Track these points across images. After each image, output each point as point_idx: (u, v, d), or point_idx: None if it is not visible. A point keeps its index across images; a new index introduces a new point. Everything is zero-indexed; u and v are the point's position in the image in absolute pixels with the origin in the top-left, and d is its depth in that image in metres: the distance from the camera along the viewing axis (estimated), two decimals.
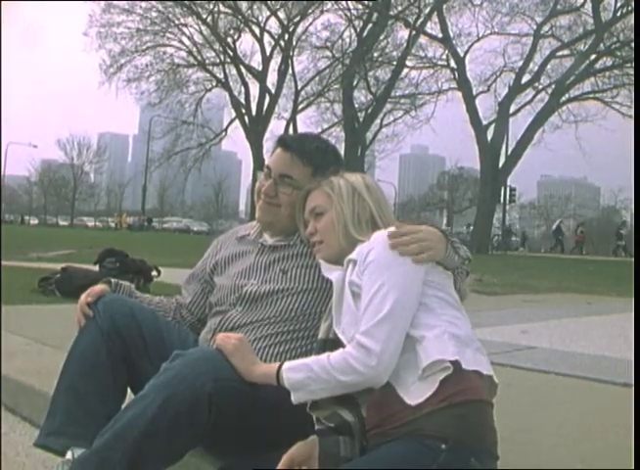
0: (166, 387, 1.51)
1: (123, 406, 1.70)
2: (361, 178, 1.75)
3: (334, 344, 1.50)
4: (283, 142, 1.98)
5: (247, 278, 1.95)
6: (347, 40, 30.78)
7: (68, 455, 1.69)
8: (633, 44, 23.41)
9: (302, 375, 1.42)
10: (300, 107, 33.81)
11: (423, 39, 29.49)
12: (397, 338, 1.39)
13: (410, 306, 1.43)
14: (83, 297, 1.89)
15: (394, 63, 30.21)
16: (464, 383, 1.37)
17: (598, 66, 27.72)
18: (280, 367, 1.47)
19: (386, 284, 1.43)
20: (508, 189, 30.82)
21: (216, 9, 31.51)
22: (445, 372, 1.36)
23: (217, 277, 2.05)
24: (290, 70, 33.31)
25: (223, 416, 1.56)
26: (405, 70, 30.52)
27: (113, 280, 2.05)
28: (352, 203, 1.69)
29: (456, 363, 1.37)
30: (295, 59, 33.13)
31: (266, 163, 2.01)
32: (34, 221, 64.44)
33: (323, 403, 1.48)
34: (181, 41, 33.36)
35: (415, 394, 1.36)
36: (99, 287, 1.94)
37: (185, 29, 33.00)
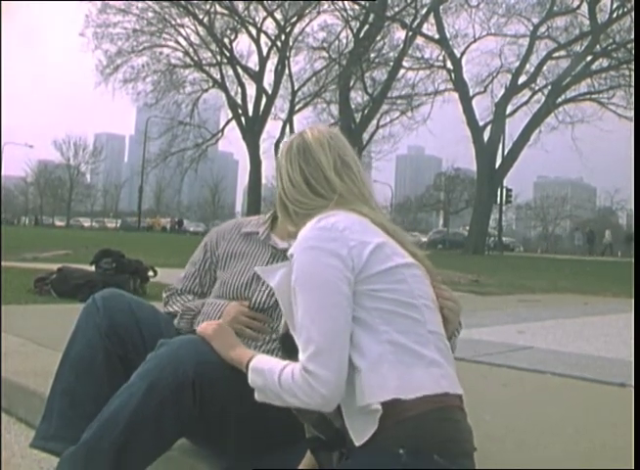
0: (150, 374, 1.53)
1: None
2: (284, 146, 1.59)
3: (292, 339, 1.42)
4: None
5: (255, 283, 1.90)
6: (344, 41, 30.90)
7: None
8: (632, 45, 23.48)
9: (261, 382, 1.37)
10: (297, 107, 33.87)
11: (419, 40, 29.61)
12: (336, 366, 1.28)
13: (340, 332, 1.30)
14: None
15: (391, 64, 30.26)
16: (408, 410, 1.28)
17: (594, 67, 27.82)
18: (249, 362, 1.42)
19: (306, 313, 1.31)
20: (504, 190, 30.86)
21: (213, 9, 31.55)
22: (380, 412, 1.28)
23: (220, 271, 2.01)
24: (286, 71, 33.36)
25: (208, 403, 1.56)
26: (402, 71, 30.65)
27: None
28: (278, 180, 1.57)
29: (395, 401, 1.27)
30: (291, 59, 33.26)
31: None
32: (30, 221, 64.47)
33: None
34: (177, 42, 33.45)
35: (358, 429, 1.30)
36: None
37: (181, 30, 33.09)
